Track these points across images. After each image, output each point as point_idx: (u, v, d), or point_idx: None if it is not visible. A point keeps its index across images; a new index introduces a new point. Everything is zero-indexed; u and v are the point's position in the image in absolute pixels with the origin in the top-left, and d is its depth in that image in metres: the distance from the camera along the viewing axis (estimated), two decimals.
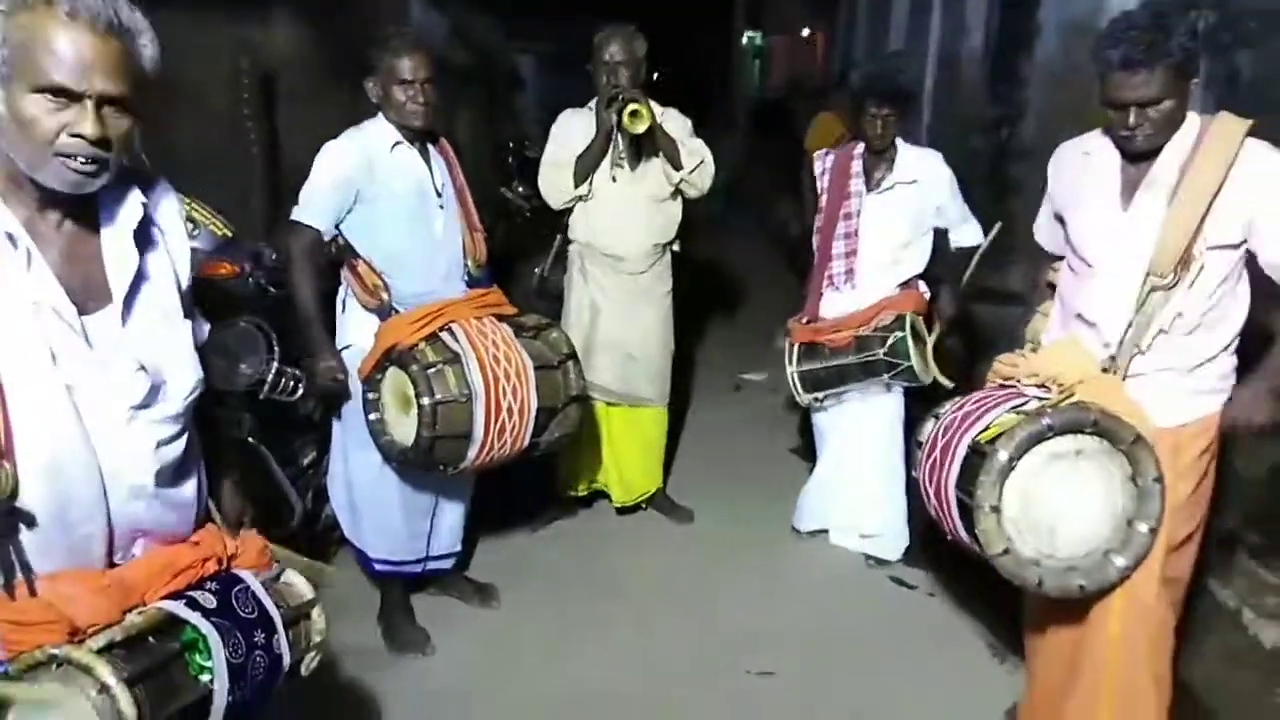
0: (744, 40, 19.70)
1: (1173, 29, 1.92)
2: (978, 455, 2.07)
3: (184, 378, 1.44)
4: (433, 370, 2.43)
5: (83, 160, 1.27)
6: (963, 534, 2.13)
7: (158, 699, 1.32)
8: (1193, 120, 2.05)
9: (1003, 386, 2.27)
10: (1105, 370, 2.13)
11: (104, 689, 1.26)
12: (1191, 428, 2.15)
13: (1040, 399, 2.13)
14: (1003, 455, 1.99)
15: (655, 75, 3.43)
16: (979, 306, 4.80)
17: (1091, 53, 2.04)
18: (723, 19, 19.04)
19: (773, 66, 20.32)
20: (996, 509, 2.01)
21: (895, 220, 3.20)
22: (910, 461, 2.44)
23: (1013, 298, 4.36)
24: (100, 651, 1.30)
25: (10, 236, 1.29)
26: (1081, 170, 2.21)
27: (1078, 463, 2.04)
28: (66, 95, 1.24)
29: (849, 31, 12.78)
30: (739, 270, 7.38)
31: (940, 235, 3.31)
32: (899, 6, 10.29)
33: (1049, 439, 2.01)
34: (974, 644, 2.99)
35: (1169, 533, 2.12)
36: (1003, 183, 5.73)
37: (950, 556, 2.79)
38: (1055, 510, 2.05)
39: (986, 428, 2.11)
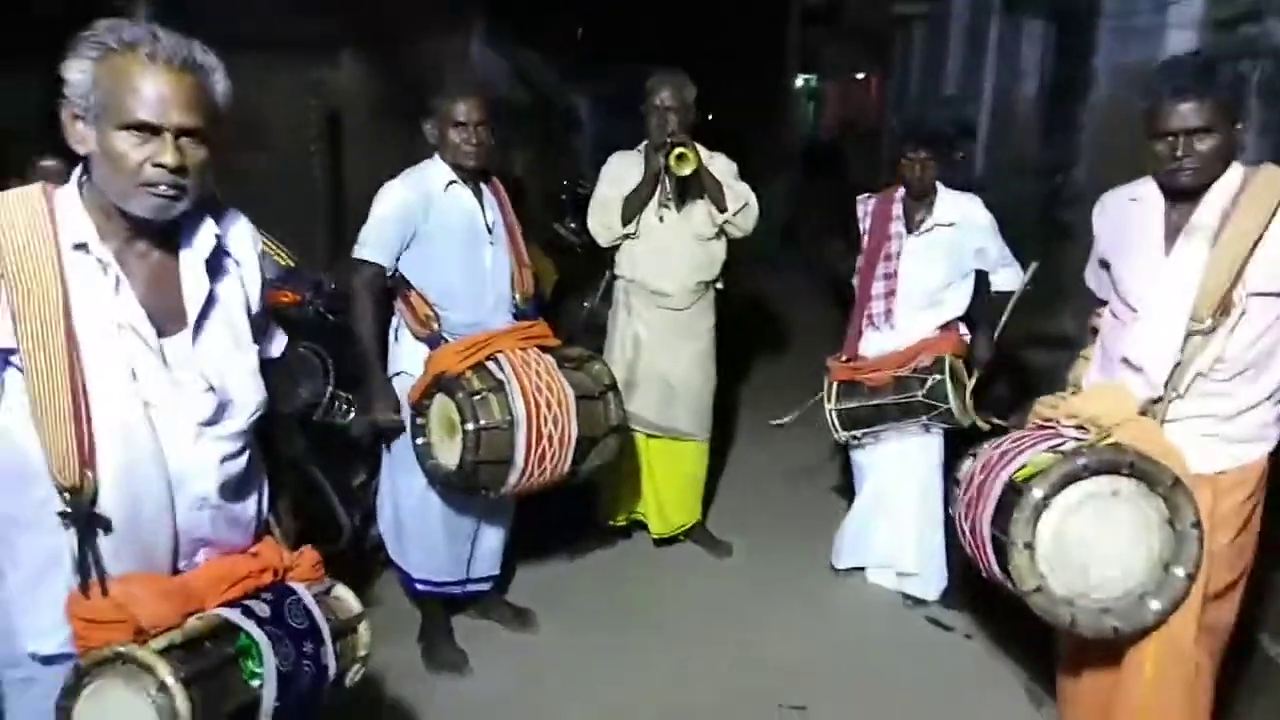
0: (798, 83, 19.90)
1: (1220, 69, 2.02)
2: (1014, 493, 2.08)
3: (249, 397, 1.54)
4: (478, 397, 2.53)
5: (165, 188, 1.39)
6: (996, 571, 2.15)
7: (211, 700, 1.41)
8: (1236, 169, 2.08)
9: (1041, 427, 2.29)
10: (1145, 413, 2.14)
11: (163, 687, 1.36)
12: (1231, 475, 2.14)
13: (1078, 440, 2.14)
14: (1037, 493, 2.00)
15: (709, 117, 3.53)
16: (1032, 351, 4.79)
17: (1141, 89, 2.09)
18: (776, 62, 19.24)
19: (826, 109, 20.46)
20: (1030, 546, 2.02)
21: (934, 262, 3.25)
22: (948, 500, 2.45)
23: (1065, 342, 4.34)
24: (161, 652, 1.39)
25: (102, 264, 1.41)
26: (1126, 216, 2.25)
27: (1113, 504, 2.05)
28: (149, 130, 1.37)
29: (903, 75, 12.87)
30: (789, 310, 7.40)
31: (981, 279, 3.34)
32: (954, 51, 10.34)
33: (1085, 479, 2.02)
34: (1010, 688, 2.97)
35: (1208, 580, 2.11)
36: (1056, 227, 5.72)
37: (988, 598, 2.77)
38: (1089, 550, 2.05)
39: (1023, 466, 2.13)
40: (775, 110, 19.25)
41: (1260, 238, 2.01)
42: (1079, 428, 2.18)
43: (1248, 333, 2.06)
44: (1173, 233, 2.14)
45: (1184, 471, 2.06)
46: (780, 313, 7.24)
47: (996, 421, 3.13)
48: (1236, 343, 2.06)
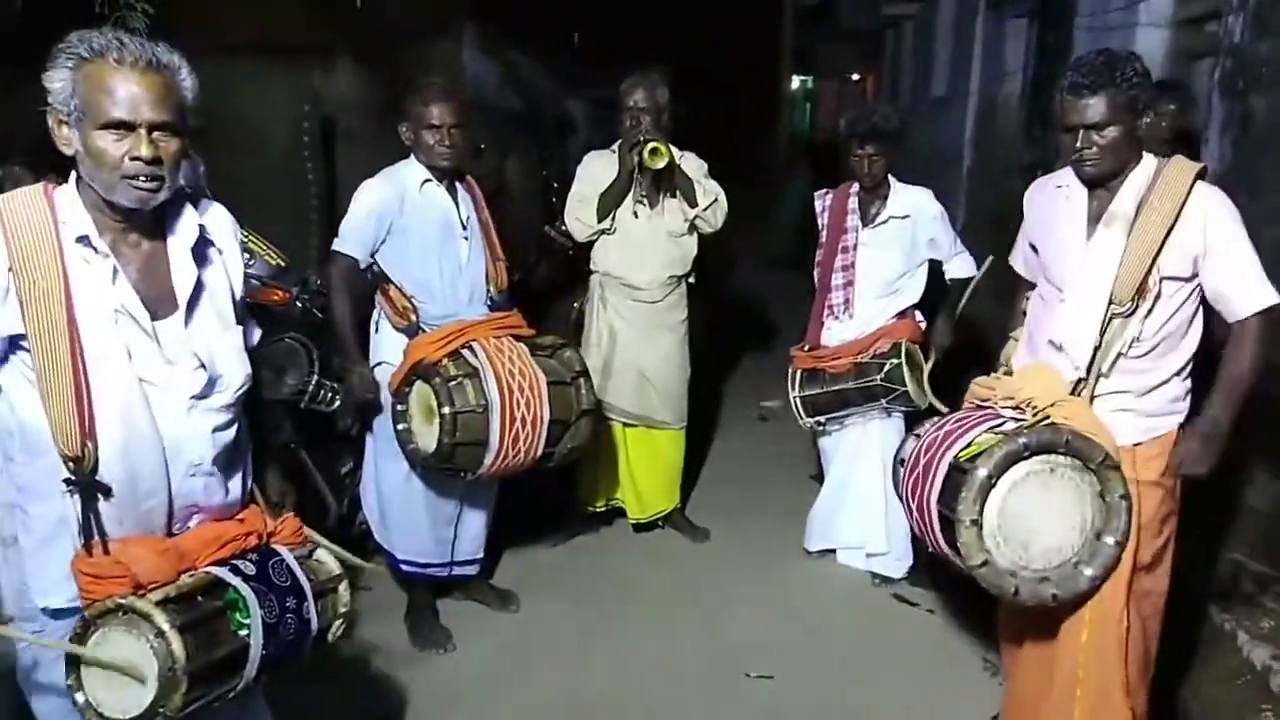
0: (794, 84, 20.06)
1: (1120, 65, 2.13)
2: (959, 472, 2.18)
3: (235, 374, 1.71)
4: (454, 383, 2.69)
5: (144, 179, 1.55)
6: (944, 546, 2.26)
7: (203, 646, 1.58)
8: (1149, 161, 2.22)
9: (979, 407, 2.42)
10: (1075, 392, 2.27)
11: (160, 633, 1.53)
12: (1147, 447, 2.28)
13: (1016, 420, 2.25)
14: (982, 472, 2.11)
15: (705, 121, 3.64)
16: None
17: (1055, 87, 2.24)
18: (773, 64, 19.38)
19: (822, 109, 20.61)
20: (977, 522, 2.12)
21: (889, 253, 3.41)
22: (895, 478, 2.57)
23: None
24: (158, 603, 1.56)
25: (100, 255, 1.58)
26: (1052, 203, 2.39)
27: (1051, 480, 2.16)
28: (125, 127, 1.53)
29: (894, 76, 13.03)
30: (788, 306, 7.48)
31: (938, 268, 3.50)
32: (941, 52, 10.50)
33: (1026, 458, 2.13)
34: (969, 659, 3.12)
35: (1138, 549, 2.24)
36: None
37: (951, 577, 2.92)
38: (1030, 523, 2.16)
39: (967, 446, 2.25)
40: (774, 112, 19.38)
41: (1172, 225, 2.15)
42: (1015, 408, 2.28)
43: (1162, 314, 2.20)
44: (1094, 219, 2.27)
45: (1112, 446, 2.19)
46: (777, 308, 7.34)
47: (943, 409, 3.27)
48: (1152, 323, 2.20)
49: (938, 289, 3.56)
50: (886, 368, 3.31)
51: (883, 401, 3.37)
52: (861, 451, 3.54)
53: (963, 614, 3.28)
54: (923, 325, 3.49)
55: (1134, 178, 2.22)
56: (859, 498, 3.58)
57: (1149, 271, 2.18)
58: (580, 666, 3.04)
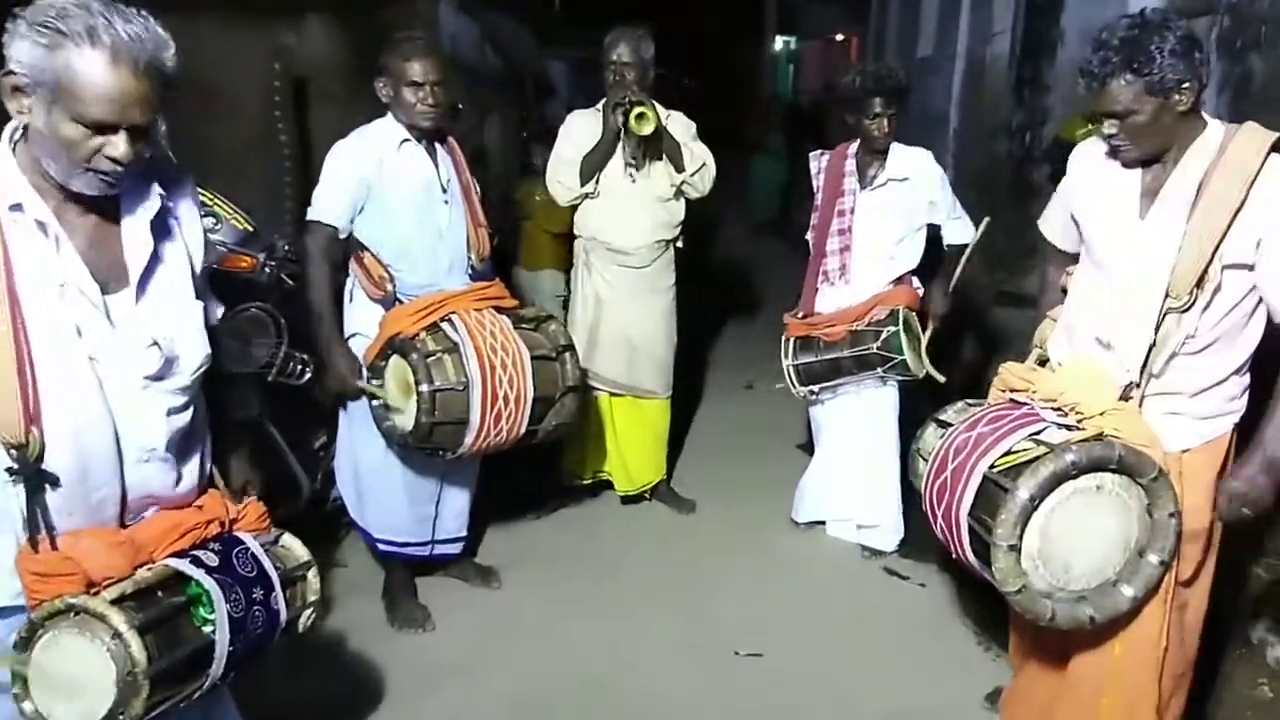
0: (777, 45, 19.76)
1: (1146, 41, 1.86)
2: (996, 488, 1.98)
3: (193, 353, 1.58)
4: (432, 359, 2.56)
5: (113, 176, 1.42)
6: (972, 558, 2.06)
7: (165, 646, 1.47)
8: (1215, 129, 1.94)
9: (1014, 403, 2.16)
10: (1123, 396, 2.03)
11: (117, 635, 1.41)
12: (1197, 453, 2.06)
13: (1058, 424, 2.04)
14: (1024, 494, 1.90)
15: (686, 81, 3.54)
16: (999, 310, 4.86)
17: (1080, 62, 2.01)
18: (755, 23, 19.09)
19: (805, 71, 20.33)
20: (1015, 548, 1.93)
21: (888, 216, 3.28)
22: (907, 467, 2.39)
23: (1031, 301, 4.39)
24: (114, 602, 1.45)
25: (41, 224, 1.43)
26: (1099, 170, 2.11)
27: (1096, 497, 1.97)
28: (106, 129, 1.38)
29: (880, 37, 12.83)
30: (774, 273, 7.40)
31: (935, 233, 3.38)
32: (928, 11, 10.32)
33: (1073, 477, 1.92)
34: (961, 632, 3.07)
35: (1178, 562, 2.05)
36: (1025, 186, 5.78)
37: (945, 551, 2.84)
38: (1072, 545, 1.98)
39: (1004, 454, 2.02)
40: (758, 74, 19.12)
41: (1240, 207, 1.86)
42: (1057, 409, 2.06)
43: (1222, 307, 1.95)
44: (1148, 194, 2.00)
45: (1162, 457, 1.97)
46: (761, 275, 7.25)
47: (940, 378, 3.16)
48: (1209, 318, 1.96)
49: (934, 256, 3.45)
50: (884, 335, 3.20)
51: (879, 370, 3.27)
52: (854, 421, 3.44)
53: (955, 587, 3.24)
54: (920, 292, 3.38)
55: (1196, 149, 1.93)
56: (850, 469, 3.49)
57: (1211, 259, 1.90)
58: (563, 645, 2.96)
